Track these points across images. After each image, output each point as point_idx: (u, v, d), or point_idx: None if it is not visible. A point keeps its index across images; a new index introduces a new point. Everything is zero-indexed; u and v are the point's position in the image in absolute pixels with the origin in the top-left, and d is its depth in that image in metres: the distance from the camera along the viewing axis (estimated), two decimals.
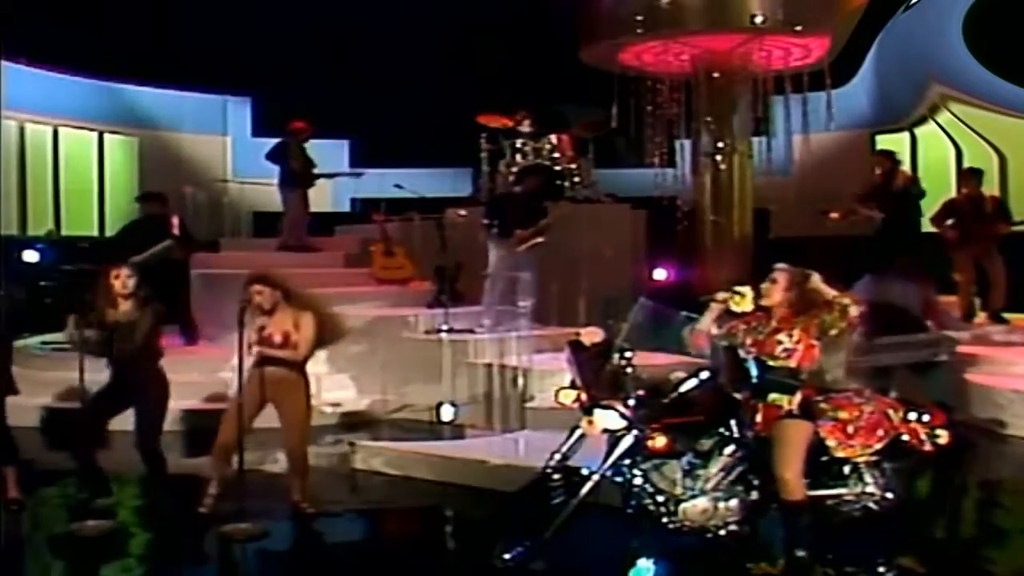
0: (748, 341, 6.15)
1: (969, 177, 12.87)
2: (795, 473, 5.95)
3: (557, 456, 6.21)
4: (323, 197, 17.48)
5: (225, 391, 10.12)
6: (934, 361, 9.32)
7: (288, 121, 14.07)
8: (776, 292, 6.15)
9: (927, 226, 12.82)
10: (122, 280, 7.52)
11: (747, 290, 6.14)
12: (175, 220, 12.50)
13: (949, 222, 12.44)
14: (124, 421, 7.75)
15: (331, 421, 10.89)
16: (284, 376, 7.51)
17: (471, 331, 11.48)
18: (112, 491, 7.79)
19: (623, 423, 5.99)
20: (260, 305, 7.52)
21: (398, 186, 13.73)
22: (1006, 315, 12.39)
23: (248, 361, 7.45)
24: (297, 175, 13.88)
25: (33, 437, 9.98)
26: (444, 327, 11.53)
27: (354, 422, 10.96)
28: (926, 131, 17.25)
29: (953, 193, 13.43)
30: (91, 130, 17.75)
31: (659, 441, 6.01)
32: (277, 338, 7.47)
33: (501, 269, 11.72)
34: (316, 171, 14.06)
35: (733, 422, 6.20)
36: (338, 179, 17.16)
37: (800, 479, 5.97)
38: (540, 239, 11.74)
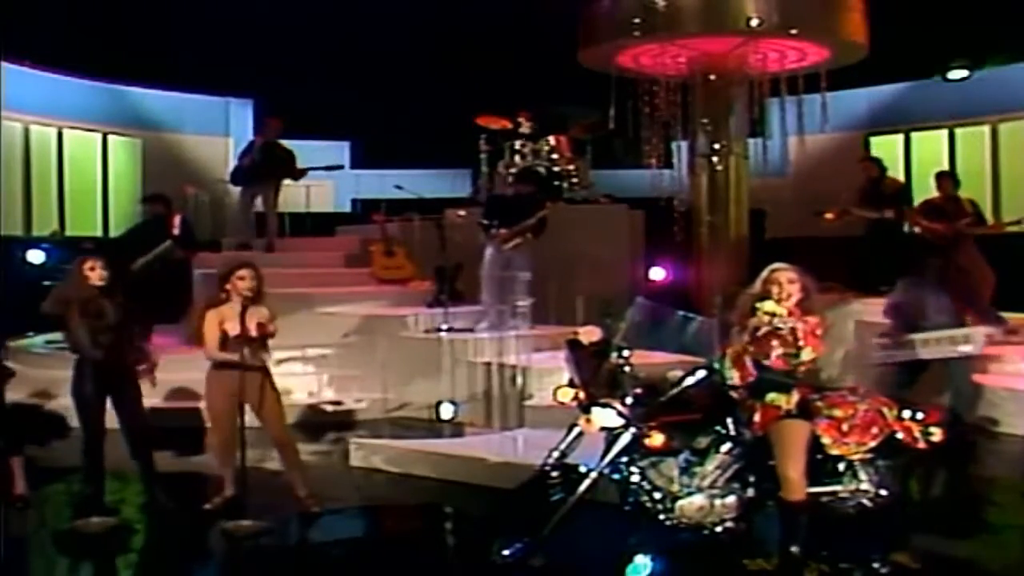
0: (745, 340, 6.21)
1: (945, 179, 12.91)
2: (799, 472, 5.99)
3: (555, 454, 6.25)
4: (324, 197, 17.58)
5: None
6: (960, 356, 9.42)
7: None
8: (795, 296, 6.18)
9: None
10: (98, 272, 7.55)
11: (782, 308, 6.13)
12: (176, 221, 12.57)
13: (933, 222, 12.45)
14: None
15: (332, 419, 10.98)
16: (258, 370, 7.51)
17: (470, 330, 11.56)
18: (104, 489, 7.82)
19: (621, 421, 6.03)
20: (248, 291, 7.51)
21: (398, 187, 13.81)
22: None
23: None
24: (242, 172, 14.04)
25: (38, 434, 10.04)
26: (444, 326, 11.62)
27: (355, 420, 11.05)
28: (920, 133, 17.35)
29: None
30: (95, 131, 17.81)
31: (656, 439, 6.04)
32: (254, 331, 7.44)
33: (492, 268, 11.83)
34: (302, 166, 14.16)
35: (730, 420, 6.23)
36: (337, 180, 17.27)
37: (803, 479, 6.01)
38: (520, 239, 11.82)
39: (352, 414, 11.19)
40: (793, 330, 6.07)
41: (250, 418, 7.53)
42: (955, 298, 9.58)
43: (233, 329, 7.44)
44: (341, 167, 14.41)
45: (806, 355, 6.09)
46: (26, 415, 10.21)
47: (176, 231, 12.44)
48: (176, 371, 10.35)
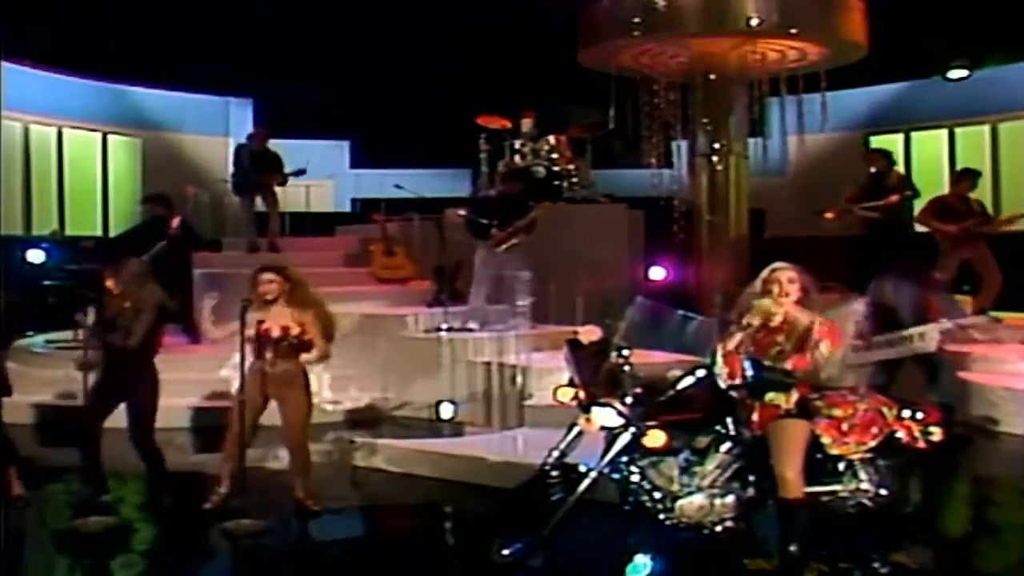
0: (746, 341, 6.19)
1: (965, 177, 12.88)
2: (795, 472, 6.00)
3: (555, 453, 6.25)
4: (324, 197, 17.61)
5: (226, 388, 10.19)
6: (922, 355, 9.48)
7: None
8: (794, 294, 6.18)
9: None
10: (113, 280, 7.59)
11: (777, 307, 6.13)
12: (175, 221, 12.55)
13: (946, 223, 12.41)
14: (122, 418, 7.87)
15: (332, 419, 10.97)
16: (284, 371, 7.56)
17: (470, 330, 11.57)
18: (108, 488, 7.81)
19: (620, 421, 6.02)
20: (264, 295, 7.55)
21: (398, 186, 13.82)
22: (996, 313, 12.43)
23: (249, 357, 7.52)
24: (238, 181, 14.07)
25: (37, 434, 10.05)
26: (443, 326, 11.62)
27: (355, 420, 11.04)
28: (920, 133, 17.38)
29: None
30: (95, 131, 17.84)
31: (656, 438, 6.03)
32: (275, 332, 7.50)
33: (485, 269, 11.84)
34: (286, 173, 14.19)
35: (729, 419, 6.22)
36: (337, 180, 17.30)
37: (800, 478, 6.01)
38: (515, 240, 11.83)
39: (352, 413, 11.17)
40: (783, 329, 6.08)
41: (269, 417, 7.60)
42: (920, 297, 9.63)
43: (263, 325, 7.50)
44: (303, 172, 14.50)
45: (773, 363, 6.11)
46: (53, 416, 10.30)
47: (172, 232, 12.42)
48: (178, 370, 10.36)
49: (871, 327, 9.67)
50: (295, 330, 7.53)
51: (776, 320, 6.12)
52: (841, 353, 6.26)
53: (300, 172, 14.33)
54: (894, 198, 12.91)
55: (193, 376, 10.52)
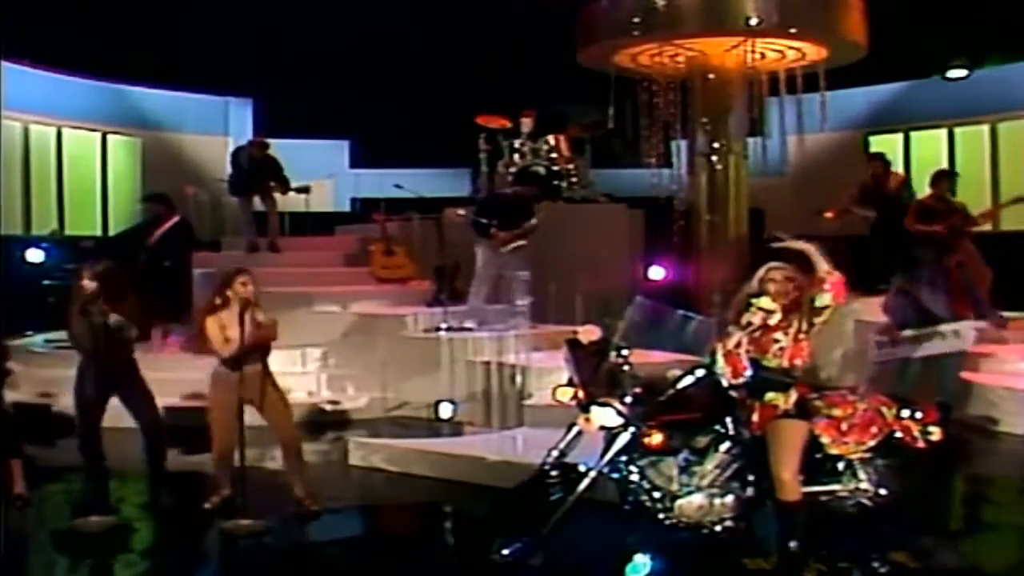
0: (745, 340, 6.18)
1: (943, 178, 12.85)
2: (792, 474, 5.99)
3: (555, 453, 6.23)
4: (324, 197, 17.61)
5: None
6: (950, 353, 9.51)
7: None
8: (791, 294, 6.16)
9: None
10: (84, 288, 7.60)
11: (776, 305, 6.11)
12: (164, 226, 12.50)
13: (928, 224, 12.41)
14: (125, 419, 7.89)
15: (331, 418, 10.98)
16: (254, 373, 7.49)
17: (470, 329, 11.57)
18: (109, 487, 7.85)
19: (620, 420, 6.02)
20: (245, 296, 7.48)
21: (398, 186, 13.83)
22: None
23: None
24: (235, 182, 14.17)
25: (37, 434, 10.04)
26: (443, 325, 11.63)
27: (354, 419, 11.06)
28: (920, 132, 17.37)
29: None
30: (94, 131, 17.84)
31: (655, 438, 6.03)
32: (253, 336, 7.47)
33: (487, 269, 11.84)
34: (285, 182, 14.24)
35: (729, 419, 6.21)
36: (337, 180, 17.29)
37: (797, 479, 6.01)
38: (523, 242, 11.83)
39: (351, 413, 11.18)
40: (782, 326, 6.08)
41: (252, 418, 7.54)
42: (952, 294, 9.65)
43: (234, 334, 7.41)
44: (308, 190, 14.63)
45: (772, 362, 6.10)
46: (33, 415, 10.25)
47: (155, 240, 12.38)
48: (177, 370, 10.38)
49: (897, 323, 9.72)
50: (273, 331, 7.56)
51: (775, 319, 6.11)
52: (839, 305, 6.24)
53: (305, 190, 14.41)
54: (893, 185, 12.95)
55: (193, 376, 10.51)
